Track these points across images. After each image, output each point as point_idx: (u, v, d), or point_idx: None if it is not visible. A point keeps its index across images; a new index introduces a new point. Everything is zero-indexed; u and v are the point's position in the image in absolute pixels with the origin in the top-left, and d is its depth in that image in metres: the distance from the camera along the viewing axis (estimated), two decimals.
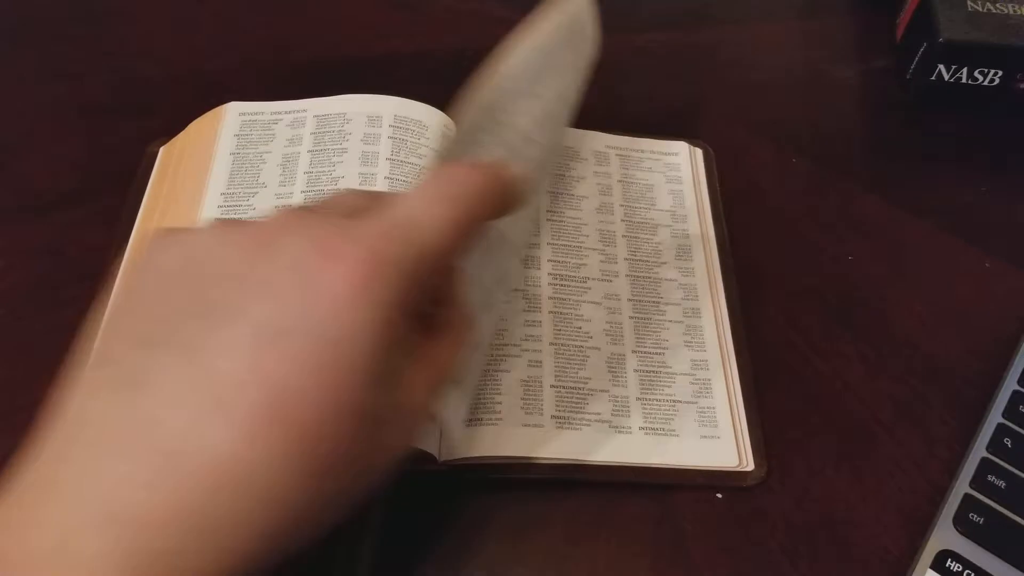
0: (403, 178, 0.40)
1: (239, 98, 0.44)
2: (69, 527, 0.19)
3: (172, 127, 0.45)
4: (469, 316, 0.28)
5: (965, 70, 0.46)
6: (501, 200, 0.26)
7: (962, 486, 0.35)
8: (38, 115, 0.47)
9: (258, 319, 0.21)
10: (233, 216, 0.39)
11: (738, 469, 0.35)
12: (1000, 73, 0.46)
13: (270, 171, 0.41)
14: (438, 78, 0.49)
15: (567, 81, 0.40)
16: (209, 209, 0.40)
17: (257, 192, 0.40)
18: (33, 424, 0.34)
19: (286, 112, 0.43)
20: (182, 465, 0.20)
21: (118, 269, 0.39)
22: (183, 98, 0.48)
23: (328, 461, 0.21)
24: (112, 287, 0.24)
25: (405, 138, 0.42)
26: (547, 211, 0.42)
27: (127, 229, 0.41)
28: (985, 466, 0.35)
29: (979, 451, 0.36)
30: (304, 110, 0.43)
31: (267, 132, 0.42)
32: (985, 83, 0.46)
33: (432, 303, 0.27)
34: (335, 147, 0.41)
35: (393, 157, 0.41)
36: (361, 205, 0.26)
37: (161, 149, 0.44)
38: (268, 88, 0.45)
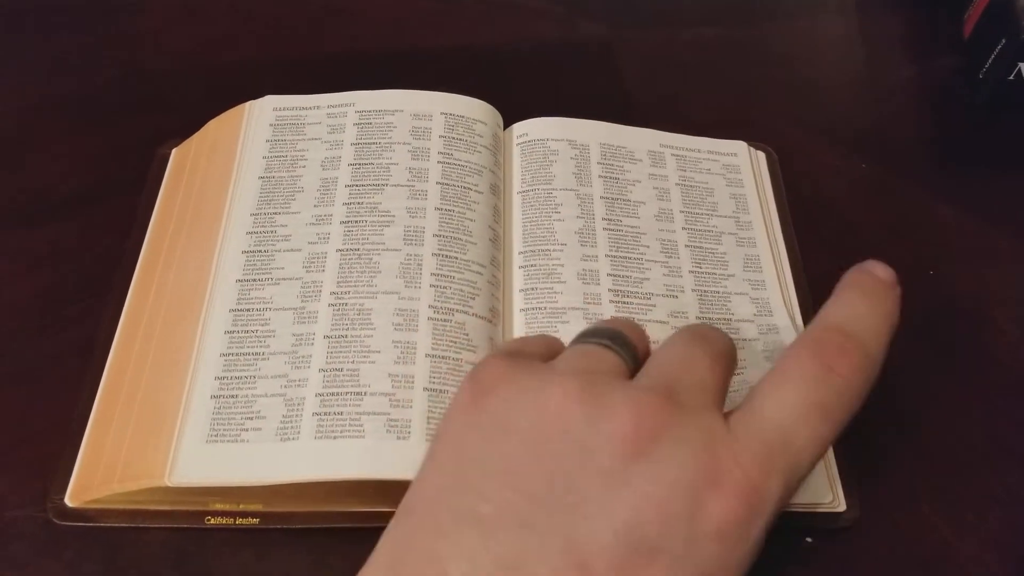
0: (457, 181, 0.37)
1: (255, 95, 0.41)
2: None
3: (185, 125, 0.42)
4: None
5: None
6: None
7: None
8: (39, 111, 0.44)
9: (635, 526, 0.21)
10: (268, 231, 0.36)
11: (829, 508, 0.32)
12: None
13: (311, 173, 0.37)
14: (474, 75, 0.46)
15: None
16: (239, 220, 0.36)
17: (295, 199, 0.36)
18: (38, 459, 0.31)
19: (327, 106, 0.39)
20: None
21: (130, 280, 0.36)
22: (197, 94, 0.46)
23: None
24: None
25: (459, 136, 0.38)
26: (603, 219, 0.38)
27: (139, 238, 0.38)
28: None
29: None
30: (347, 104, 0.39)
31: (303, 129, 0.39)
32: None
33: None
34: (381, 144, 0.38)
35: (445, 157, 0.38)
36: (715, 381, 0.25)
37: (174, 151, 0.41)
38: (288, 85, 0.41)
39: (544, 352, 0.27)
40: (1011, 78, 0.44)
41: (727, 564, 0.22)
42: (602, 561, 0.21)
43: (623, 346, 0.26)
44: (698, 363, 0.25)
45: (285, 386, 0.31)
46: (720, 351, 0.26)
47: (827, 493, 0.32)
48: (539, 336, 0.28)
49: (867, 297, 0.27)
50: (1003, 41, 0.43)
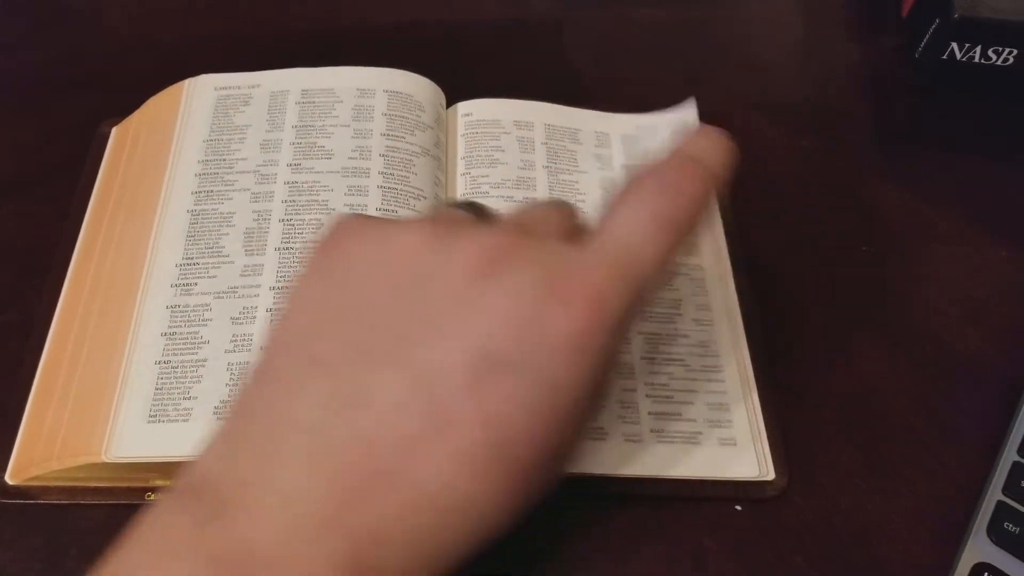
0: (399, 162, 0.37)
1: (196, 73, 0.40)
2: (284, 530, 0.20)
3: (125, 105, 0.41)
4: None
5: (979, 49, 0.43)
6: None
7: (995, 493, 0.33)
8: None
9: (479, 345, 0.21)
10: (208, 207, 0.35)
11: (758, 479, 0.33)
12: (1015, 52, 0.43)
13: (251, 153, 0.37)
14: (421, 53, 0.46)
15: None
16: (178, 200, 0.36)
17: (236, 180, 0.36)
18: None
19: (267, 83, 0.39)
20: (398, 485, 0.20)
21: (70, 260, 0.36)
22: (136, 73, 0.44)
23: (533, 489, 0.23)
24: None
25: (402, 115, 0.38)
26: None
27: (79, 217, 0.37)
28: (1018, 471, 0.33)
29: (1010, 455, 0.34)
30: (288, 82, 0.39)
31: (244, 108, 0.38)
32: (999, 62, 0.44)
33: None
34: (323, 123, 0.38)
35: (387, 137, 0.37)
36: (568, 225, 0.26)
37: (114, 130, 0.40)
38: (230, 63, 0.41)
39: (400, 220, 0.26)
40: (944, 57, 0.44)
41: (577, 375, 0.22)
42: (451, 383, 0.21)
43: (478, 211, 0.27)
44: (550, 214, 0.26)
45: (225, 365, 0.31)
46: (571, 209, 0.27)
47: (754, 466, 0.33)
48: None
49: (706, 136, 0.28)
50: (936, 21, 0.44)
